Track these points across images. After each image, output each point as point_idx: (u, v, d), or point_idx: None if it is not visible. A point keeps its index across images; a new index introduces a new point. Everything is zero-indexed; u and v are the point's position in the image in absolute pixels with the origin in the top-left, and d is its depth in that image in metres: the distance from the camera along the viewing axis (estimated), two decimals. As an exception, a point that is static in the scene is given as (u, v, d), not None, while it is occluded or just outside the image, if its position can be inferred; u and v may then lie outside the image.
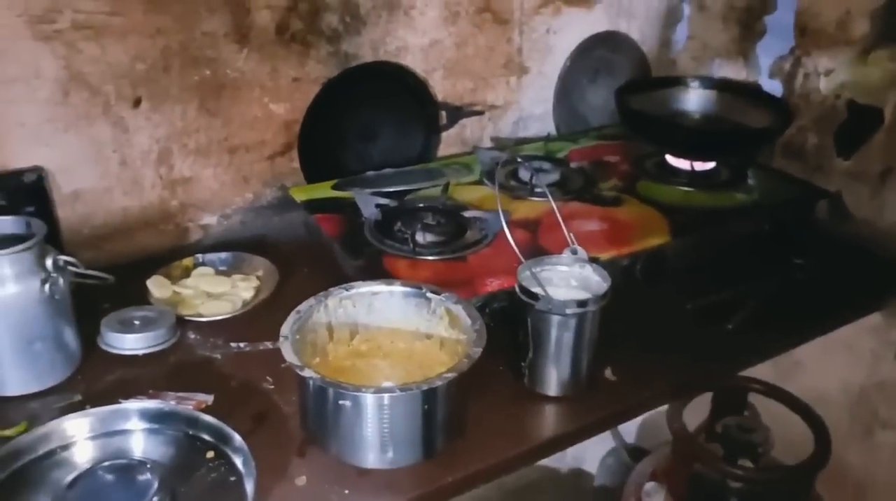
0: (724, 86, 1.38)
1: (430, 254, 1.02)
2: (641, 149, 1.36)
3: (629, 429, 1.73)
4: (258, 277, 1.08)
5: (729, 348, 1.00)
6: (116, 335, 0.92)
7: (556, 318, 0.84)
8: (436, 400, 0.73)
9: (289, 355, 0.74)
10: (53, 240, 1.04)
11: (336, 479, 0.76)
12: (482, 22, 1.35)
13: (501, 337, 0.86)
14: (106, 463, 0.73)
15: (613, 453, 1.72)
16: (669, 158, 1.31)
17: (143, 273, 1.05)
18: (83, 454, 0.77)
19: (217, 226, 1.22)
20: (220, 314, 1.00)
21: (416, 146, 1.36)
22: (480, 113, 1.40)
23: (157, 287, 1.04)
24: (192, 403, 0.84)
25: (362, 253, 1.03)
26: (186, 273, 1.09)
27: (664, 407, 1.05)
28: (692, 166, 1.27)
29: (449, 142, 1.40)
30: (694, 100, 1.37)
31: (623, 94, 1.33)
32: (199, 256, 1.11)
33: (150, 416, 0.80)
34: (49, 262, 0.85)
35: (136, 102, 1.08)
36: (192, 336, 0.97)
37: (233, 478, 0.75)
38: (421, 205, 1.14)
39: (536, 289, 0.84)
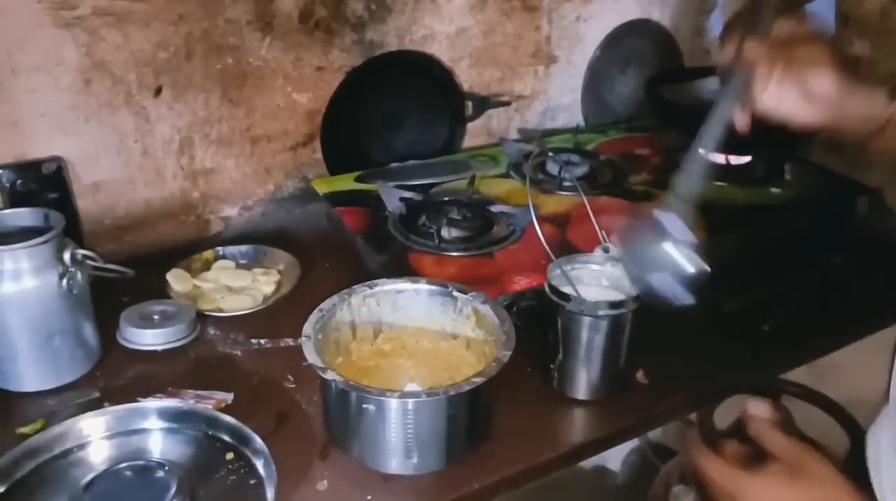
0: (760, 77, 1.33)
1: (456, 251, 1.00)
2: (672, 141, 1.32)
3: (653, 426, 1.69)
4: (279, 271, 1.06)
5: (765, 351, 0.96)
6: (136, 330, 0.90)
7: (587, 320, 0.81)
8: (463, 405, 0.71)
9: (311, 356, 0.72)
10: (73, 231, 1.03)
11: (359, 484, 0.74)
12: (510, 9, 1.31)
13: (529, 337, 0.83)
14: (123, 465, 0.71)
15: (637, 451, 1.69)
16: (702, 151, 1.26)
17: (164, 265, 1.03)
18: (100, 453, 0.76)
19: (238, 218, 1.20)
20: (240, 309, 0.98)
21: (440, 137, 1.33)
22: (507, 103, 1.36)
23: (178, 280, 1.02)
24: (212, 402, 0.83)
25: (386, 249, 1.00)
26: (207, 266, 1.07)
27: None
28: (727, 160, 1.23)
29: (474, 134, 1.36)
30: (729, 90, 1.32)
31: (654, 84, 1.29)
32: (220, 249, 1.09)
33: (169, 415, 0.78)
34: (67, 256, 0.83)
35: (158, 91, 1.06)
36: (212, 331, 0.95)
37: (252, 481, 0.72)
38: (446, 198, 1.11)
39: (567, 289, 0.81)
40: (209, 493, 0.71)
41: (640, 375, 0.89)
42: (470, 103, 1.33)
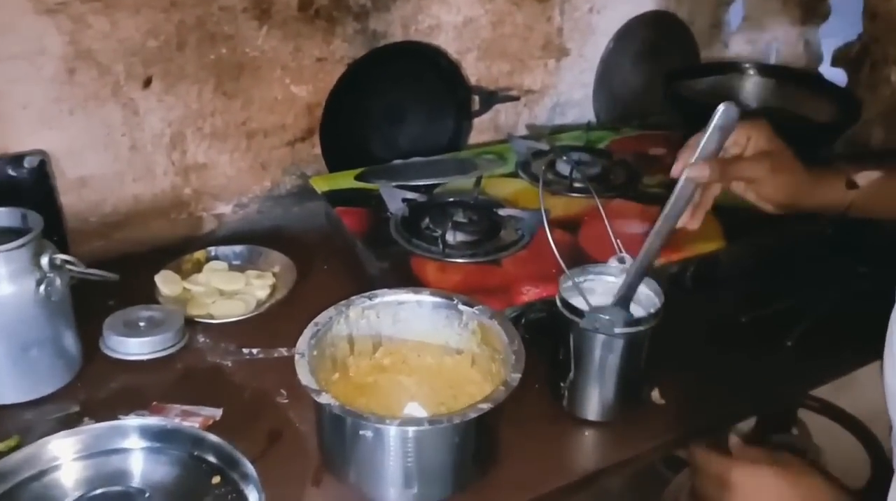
0: (782, 74, 1.27)
1: (462, 257, 0.94)
2: (687, 139, 1.26)
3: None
4: (274, 274, 1.00)
5: (788, 367, 0.90)
6: (120, 339, 0.85)
7: (602, 337, 0.75)
8: (468, 433, 0.65)
9: (304, 376, 0.66)
10: (57, 228, 0.98)
11: (354, 514, 0.69)
12: (521, -1, 1.25)
13: (538, 352, 0.77)
14: (99, 491, 0.66)
15: (644, 458, 1.64)
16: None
17: (153, 265, 0.98)
18: (77, 475, 0.70)
19: (232, 216, 1.14)
20: (232, 316, 0.92)
21: (446, 133, 1.27)
22: (516, 98, 1.30)
23: (166, 283, 0.96)
24: (199, 419, 0.77)
25: (388, 254, 0.95)
26: (198, 267, 1.01)
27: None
28: (746, 161, 1.17)
29: (481, 129, 1.31)
30: (749, 88, 1.27)
31: (671, 80, 1.22)
32: (212, 249, 1.03)
33: (152, 434, 0.73)
34: (45, 261, 0.77)
35: (147, 82, 1.00)
36: (201, 339, 0.90)
37: (240, 508, 0.67)
38: (451, 199, 1.05)
39: (580, 304, 0.76)
40: (193, 522, 0.66)
41: (655, 394, 0.84)
42: (477, 97, 1.27)
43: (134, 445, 0.73)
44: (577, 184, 1.10)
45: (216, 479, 0.70)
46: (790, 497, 0.68)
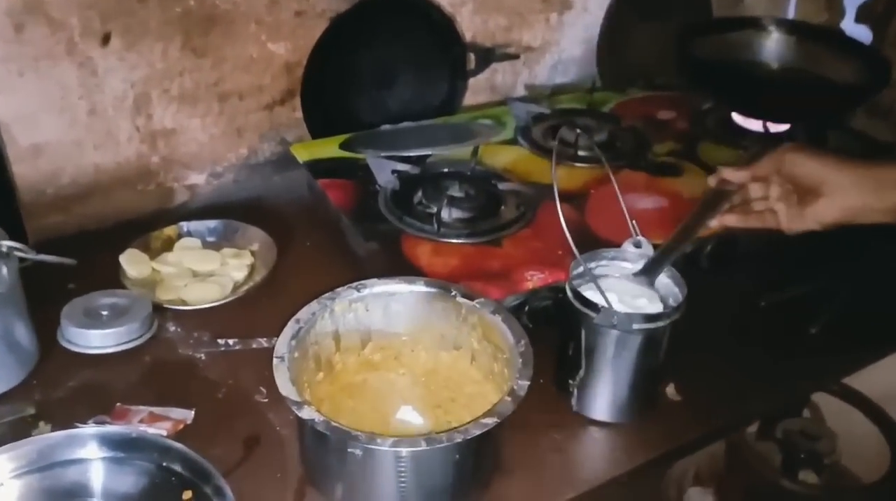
0: (802, 30, 1.17)
1: (458, 237, 0.85)
2: (699, 102, 1.17)
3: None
4: (252, 252, 0.92)
5: (812, 358, 0.83)
6: (79, 330, 0.76)
7: (617, 333, 0.67)
8: (470, 450, 0.58)
9: (284, 385, 0.58)
10: (8, 202, 0.89)
11: (341, 535, 0.61)
12: (521, -55, 1.14)
13: (542, 342, 0.68)
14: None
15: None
16: (736, 116, 1.12)
17: (119, 242, 0.90)
18: (28, 490, 0.62)
19: (206, 187, 1.05)
20: (206, 301, 0.84)
21: (439, 94, 1.17)
22: (516, 56, 1.20)
23: (133, 264, 0.88)
24: (169, 423, 0.70)
25: (377, 232, 0.86)
26: (168, 245, 0.92)
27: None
28: (765, 127, 1.08)
29: (477, 90, 1.21)
30: (768, 46, 1.17)
31: (684, 38, 1.12)
32: (184, 225, 0.94)
33: (114, 444, 0.65)
34: (-11, 248, 0.68)
35: (106, 39, 0.89)
36: (171, 328, 0.82)
37: (214, 529, 0.60)
38: (446, 170, 0.96)
39: (594, 297, 0.68)
40: (160, 546, 0.59)
41: (670, 390, 0.76)
42: (472, 55, 1.17)
43: (93, 455, 0.65)
44: (581, 153, 1.01)
45: (187, 494, 0.63)
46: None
